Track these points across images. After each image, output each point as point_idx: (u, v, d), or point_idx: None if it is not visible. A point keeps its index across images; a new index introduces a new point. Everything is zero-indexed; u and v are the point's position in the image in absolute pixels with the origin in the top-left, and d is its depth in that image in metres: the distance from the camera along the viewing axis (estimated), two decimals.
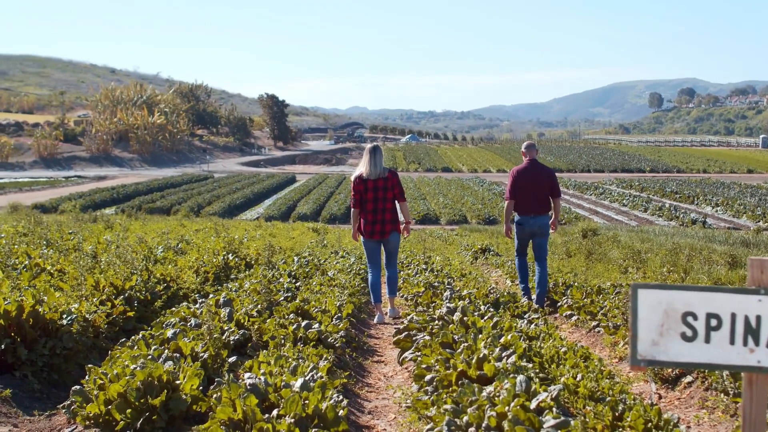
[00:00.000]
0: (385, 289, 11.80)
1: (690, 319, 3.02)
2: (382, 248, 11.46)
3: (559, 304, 11.82)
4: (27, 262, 10.09)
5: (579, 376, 6.31)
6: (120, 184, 72.00)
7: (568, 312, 11.28)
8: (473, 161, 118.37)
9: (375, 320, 11.41)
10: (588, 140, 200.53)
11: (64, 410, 5.43)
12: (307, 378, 5.35)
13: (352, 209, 11.21)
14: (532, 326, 8.65)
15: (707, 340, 3.03)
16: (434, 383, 6.05)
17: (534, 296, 11.94)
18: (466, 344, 6.62)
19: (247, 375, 5.41)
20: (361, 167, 11.10)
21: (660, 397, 7.13)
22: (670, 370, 7.45)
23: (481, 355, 6.14)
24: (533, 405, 4.75)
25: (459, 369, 6.01)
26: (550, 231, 12.06)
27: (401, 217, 11.62)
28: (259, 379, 5.24)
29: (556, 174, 12.81)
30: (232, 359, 6.55)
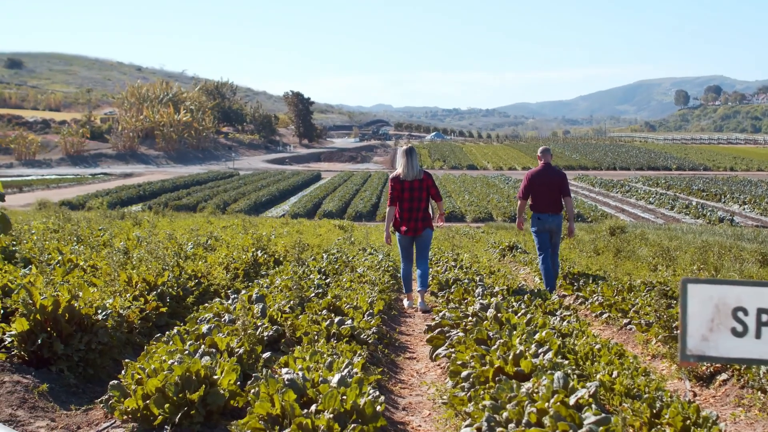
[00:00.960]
0: (416, 284, 12.20)
1: (740, 314, 2.98)
2: (415, 244, 12.09)
3: (589, 301, 11.82)
4: (60, 258, 10.13)
5: (614, 373, 6.27)
6: (146, 181, 72.25)
7: (599, 310, 11.27)
8: (498, 159, 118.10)
9: (405, 305, 12.25)
10: (614, 138, 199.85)
11: (101, 404, 5.44)
12: (343, 374, 5.34)
13: (388, 207, 11.91)
14: (565, 323, 8.63)
15: (758, 335, 2.99)
16: (470, 379, 6.02)
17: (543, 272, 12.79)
18: (501, 341, 6.59)
19: (284, 370, 5.40)
20: (399, 168, 11.71)
21: (695, 395, 7.09)
22: (704, 367, 7.41)
23: (518, 352, 6.12)
24: (572, 401, 4.72)
25: (496, 365, 5.98)
26: (567, 237, 13.20)
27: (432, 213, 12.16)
28: (297, 374, 5.23)
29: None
30: (266, 355, 6.54)
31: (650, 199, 56.91)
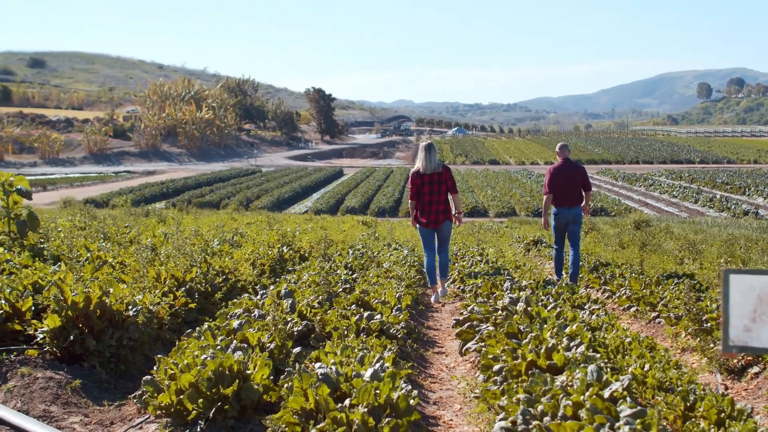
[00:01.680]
0: (438, 273, 12.51)
1: None
2: (436, 236, 12.41)
3: (617, 294, 11.82)
4: (88, 254, 10.17)
5: (646, 367, 6.24)
6: (169, 178, 72.62)
7: (627, 303, 11.25)
8: (520, 153, 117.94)
9: (432, 300, 12.49)
10: (636, 131, 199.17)
11: (135, 400, 5.46)
12: (375, 368, 5.33)
13: (410, 200, 12.25)
14: (594, 317, 8.62)
15: None
16: (503, 373, 6.00)
17: (567, 276, 13.24)
18: (532, 334, 6.57)
19: (317, 365, 5.39)
20: (418, 163, 12.11)
21: (726, 388, 7.05)
22: (735, 360, 7.37)
23: (550, 345, 6.09)
24: (606, 394, 4.69)
25: (528, 359, 5.96)
26: (582, 217, 13.42)
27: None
28: (330, 368, 5.22)
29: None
30: (297, 350, 6.54)
31: (674, 192, 56.68)
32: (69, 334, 6.13)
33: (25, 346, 6.27)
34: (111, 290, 6.70)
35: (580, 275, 13.73)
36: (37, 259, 9.37)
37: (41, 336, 6.22)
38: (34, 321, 6.38)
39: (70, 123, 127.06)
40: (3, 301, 6.57)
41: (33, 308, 6.70)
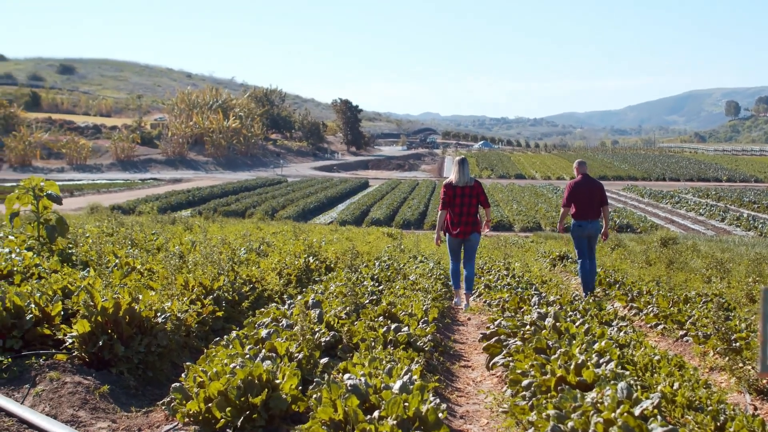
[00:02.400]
0: (463, 284, 12.91)
1: None
2: (463, 247, 12.81)
3: (644, 312, 11.79)
4: (116, 261, 10.21)
5: (675, 385, 6.20)
6: (195, 186, 72.98)
7: (654, 321, 11.20)
8: (546, 168, 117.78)
9: (454, 302, 13.14)
10: (663, 148, 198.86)
11: (163, 407, 5.46)
12: (404, 380, 5.31)
13: (440, 210, 12.61)
14: (622, 334, 8.59)
15: None
16: (532, 389, 5.97)
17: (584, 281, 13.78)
18: (561, 350, 6.54)
19: (346, 376, 5.38)
20: (452, 176, 12.50)
21: (755, 408, 6.98)
22: (765, 381, 7.30)
23: (579, 361, 6.06)
24: (637, 412, 4.66)
25: (558, 375, 5.93)
26: (603, 240, 14.28)
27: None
28: (359, 380, 5.21)
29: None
30: (324, 360, 6.53)
31: (700, 210, 56.49)
32: (98, 339, 6.15)
33: (54, 351, 6.29)
34: (140, 297, 6.73)
35: (608, 291, 14.16)
36: (65, 264, 9.42)
37: (70, 341, 6.22)
38: (64, 326, 6.38)
39: (98, 129, 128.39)
40: (33, 306, 6.59)
41: (62, 313, 6.73)
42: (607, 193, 14.36)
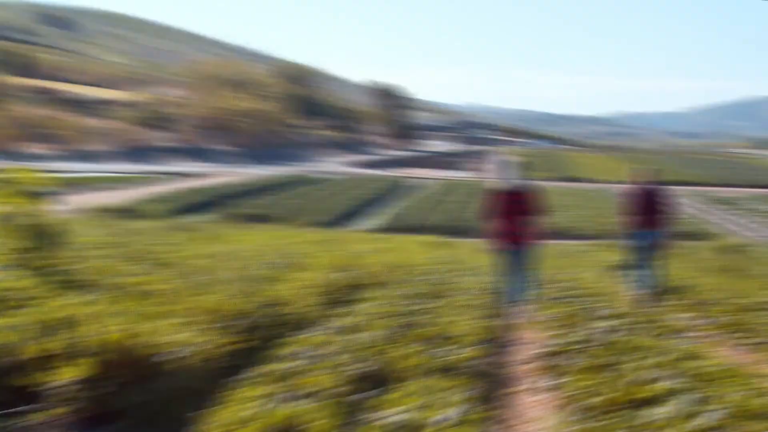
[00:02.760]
0: (514, 296, 13.18)
1: None
2: (515, 258, 13.16)
3: (709, 321, 12.06)
4: (121, 280, 10.17)
5: (743, 395, 6.42)
6: (212, 184, 72.97)
7: (720, 330, 11.46)
8: (606, 170, 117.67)
9: (506, 319, 12.84)
10: (726, 153, 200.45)
11: None
12: (451, 411, 5.49)
13: (488, 220, 12.91)
14: (684, 345, 8.82)
15: None
16: (593, 409, 6.18)
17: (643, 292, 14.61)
18: (621, 366, 6.76)
19: (386, 412, 5.55)
20: (499, 180, 12.69)
21: None
22: None
23: (640, 377, 6.28)
24: (705, 425, 4.89)
25: (619, 392, 6.15)
26: (665, 247, 14.97)
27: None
28: (400, 416, 5.39)
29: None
30: (362, 393, 6.67)
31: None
32: (96, 385, 5.96)
33: (33, 405, 5.75)
34: (147, 326, 6.84)
35: (668, 300, 14.48)
36: (55, 285, 9.01)
37: (56, 390, 5.82)
38: (48, 371, 5.97)
39: (101, 104, 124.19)
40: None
41: (47, 353, 6.23)
42: (673, 200, 15.14)
